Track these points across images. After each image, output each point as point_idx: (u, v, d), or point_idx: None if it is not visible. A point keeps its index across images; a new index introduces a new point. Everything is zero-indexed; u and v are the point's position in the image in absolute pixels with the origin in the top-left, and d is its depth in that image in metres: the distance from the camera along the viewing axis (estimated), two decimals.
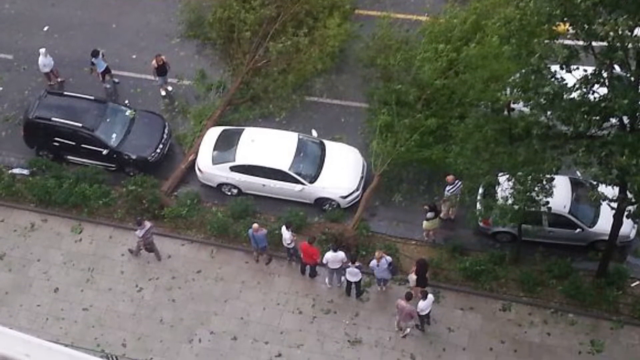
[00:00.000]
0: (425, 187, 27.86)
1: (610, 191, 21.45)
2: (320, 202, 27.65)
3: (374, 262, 24.70)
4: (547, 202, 22.42)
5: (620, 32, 18.15)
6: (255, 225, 25.64)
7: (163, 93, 30.72)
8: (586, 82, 19.63)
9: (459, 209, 26.96)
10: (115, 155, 28.67)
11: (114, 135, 28.71)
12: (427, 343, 24.96)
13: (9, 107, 30.93)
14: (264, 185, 27.64)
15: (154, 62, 29.67)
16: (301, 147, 27.75)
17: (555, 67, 19.88)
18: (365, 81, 29.86)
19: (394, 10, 30.22)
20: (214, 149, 28.10)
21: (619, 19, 17.95)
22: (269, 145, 27.67)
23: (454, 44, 26.14)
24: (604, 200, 21.25)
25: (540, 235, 25.60)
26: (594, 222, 25.68)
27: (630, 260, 26.08)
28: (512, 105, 22.37)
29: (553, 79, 19.74)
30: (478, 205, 25.48)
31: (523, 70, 20.40)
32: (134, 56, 31.71)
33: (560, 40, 19.89)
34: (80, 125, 28.46)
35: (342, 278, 25.72)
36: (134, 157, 28.61)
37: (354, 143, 28.54)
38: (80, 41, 32.05)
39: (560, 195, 24.06)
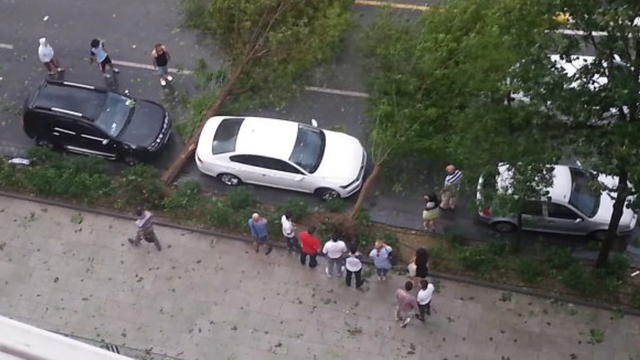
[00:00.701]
0: (425, 177, 27.84)
1: (610, 181, 21.42)
2: (320, 192, 27.64)
3: (374, 252, 24.71)
4: (547, 192, 22.36)
5: (620, 22, 18.13)
6: (255, 215, 25.64)
7: (163, 83, 30.67)
8: (586, 71, 19.60)
9: (459, 198, 26.95)
10: (115, 145, 28.64)
11: (114, 125, 28.68)
12: (427, 333, 25.00)
13: (9, 97, 30.86)
14: (264, 175, 27.63)
15: (154, 51, 29.60)
16: (301, 137, 27.72)
17: (555, 57, 19.86)
18: (365, 71, 29.80)
19: (394, 0, 30.07)
20: (214, 139, 28.07)
21: (619, 9, 17.91)
22: (269, 135, 27.65)
23: (454, 33, 26.08)
24: (604, 190, 21.20)
25: (540, 225, 25.58)
26: (594, 212, 25.67)
27: (630, 249, 26.08)
28: (512, 95, 22.35)
29: (553, 69, 19.72)
30: (478, 195, 25.44)
31: (523, 60, 20.37)
32: (134, 46, 31.65)
33: (560, 30, 19.87)
34: (80, 115, 28.42)
35: (342, 268, 25.73)
36: (134, 146, 28.59)
37: (354, 133, 28.50)
38: (80, 31, 31.96)
39: (560, 185, 24.04)
